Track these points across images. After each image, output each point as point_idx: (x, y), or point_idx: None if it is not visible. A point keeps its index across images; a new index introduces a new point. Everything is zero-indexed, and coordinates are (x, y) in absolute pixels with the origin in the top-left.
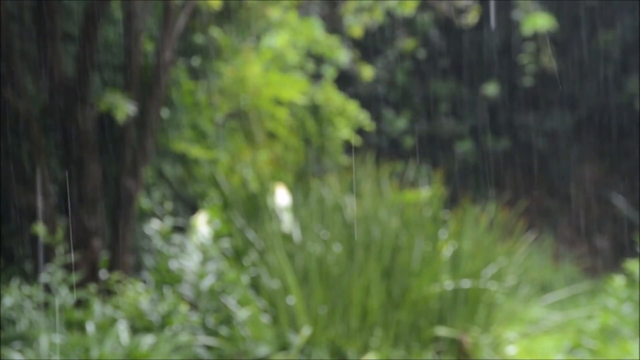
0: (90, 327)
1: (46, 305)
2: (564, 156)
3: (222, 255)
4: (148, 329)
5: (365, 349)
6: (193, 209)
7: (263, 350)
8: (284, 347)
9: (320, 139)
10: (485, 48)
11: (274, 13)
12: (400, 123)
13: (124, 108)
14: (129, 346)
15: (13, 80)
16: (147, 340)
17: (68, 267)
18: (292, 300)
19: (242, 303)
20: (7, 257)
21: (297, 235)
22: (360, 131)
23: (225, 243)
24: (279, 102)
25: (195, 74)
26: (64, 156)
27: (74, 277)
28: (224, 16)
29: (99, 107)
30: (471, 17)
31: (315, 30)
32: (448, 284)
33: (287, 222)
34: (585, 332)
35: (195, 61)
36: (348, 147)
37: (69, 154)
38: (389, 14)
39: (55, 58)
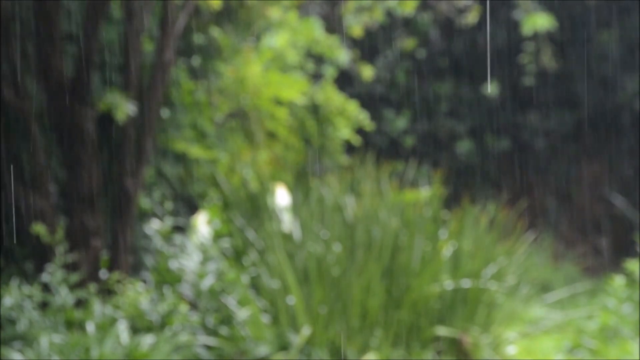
0: (90, 327)
1: (46, 305)
2: (564, 156)
3: (222, 255)
4: (148, 328)
5: (365, 349)
6: (193, 209)
7: (263, 350)
8: (284, 347)
9: (320, 139)
10: (485, 48)
11: (274, 13)
12: (400, 123)
13: (124, 108)
14: (129, 346)
15: (13, 80)
16: (147, 340)
17: (68, 267)
18: (292, 300)
19: (242, 303)
20: (7, 257)
21: (297, 235)
22: (360, 131)
23: (225, 243)
24: (279, 102)
25: (195, 74)
26: (64, 156)
27: (74, 277)
28: (224, 16)
29: (99, 107)
30: (471, 17)
31: (315, 30)
32: (448, 284)
33: (287, 222)
34: (585, 332)
35: (195, 61)
36: (348, 147)
37: (69, 154)
38: (389, 14)
39: (55, 58)
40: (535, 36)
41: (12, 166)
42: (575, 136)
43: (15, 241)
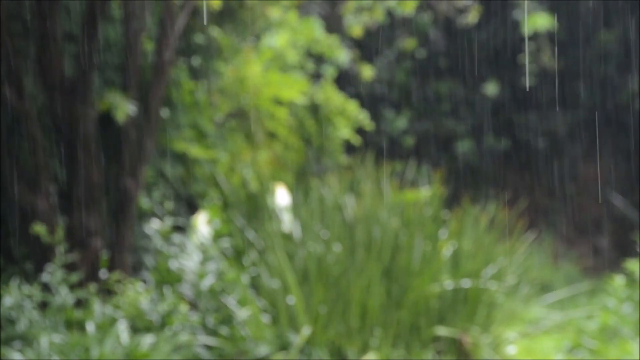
0: (90, 327)
1: (46, 305)
2: (564, 156)
3: (222, 255)
4: (148, 328)
5: (365, 348)
6: (193, 208)
7: (263, 350)
8: (284, 347)
9: (320, 138)
10: (485, 48)
11: (274, 13)
12: (400, 123)
13: (124, 108)
14: (129, 346)
15: (13, 80)
16: (147, 340)
17: (68, 267)
18: (292, 300)
19: (242, 303)
20: (7, 257)
21: (297, 235)
22: (360, 131)
23: (225, 243)
24: (279, 102)
25: (195, 74)
26: (64, 156)
27: (74, 277)
28: (224, 16)
29: (99, 107)
30: (471, 17)
31: (315, 30)
32: (448, 284)
33: (287, 221)
34: (585, 332)
35: (195, 61)
36: (348, 147)
37: (69, 154)
38: (389, 14)
39: (55, 58)
40: (535, 36)
41: (12, 166)
42: (575, 136)
43: (15, 241)
